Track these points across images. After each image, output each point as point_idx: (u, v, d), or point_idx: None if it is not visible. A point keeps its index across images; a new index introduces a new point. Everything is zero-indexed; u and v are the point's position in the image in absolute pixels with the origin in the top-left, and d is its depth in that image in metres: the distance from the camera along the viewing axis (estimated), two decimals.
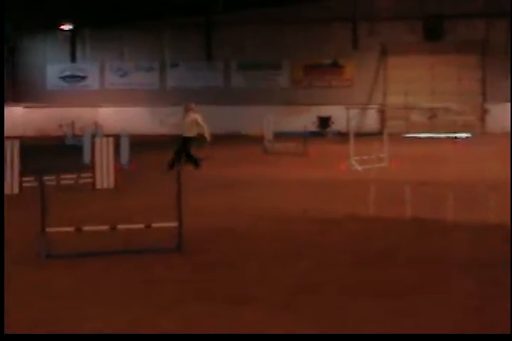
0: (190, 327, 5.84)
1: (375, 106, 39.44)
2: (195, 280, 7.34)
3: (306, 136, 25.35)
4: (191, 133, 18.65)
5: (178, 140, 18.76)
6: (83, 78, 44.16)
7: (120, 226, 9.13)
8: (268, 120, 27.50)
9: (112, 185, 15.38)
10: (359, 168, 18.15)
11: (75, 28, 41.90)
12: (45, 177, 8.91)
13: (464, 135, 30.36)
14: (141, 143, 25.97)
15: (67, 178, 15.90)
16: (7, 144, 14.53)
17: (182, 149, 18.59)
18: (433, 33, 39.08)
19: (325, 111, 39.00)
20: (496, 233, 9.70)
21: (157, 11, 38.72)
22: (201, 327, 5.85)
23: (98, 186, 15.24)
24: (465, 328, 5.75)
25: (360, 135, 26.60)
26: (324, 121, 38.72)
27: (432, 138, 31.89)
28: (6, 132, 31.70)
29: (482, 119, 38.50)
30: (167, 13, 39.30)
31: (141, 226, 9.15)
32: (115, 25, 41.54)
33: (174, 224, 8.71)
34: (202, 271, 7.75)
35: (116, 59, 43.52)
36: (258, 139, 27.94)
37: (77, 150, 22.19)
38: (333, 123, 38.23)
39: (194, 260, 8.29)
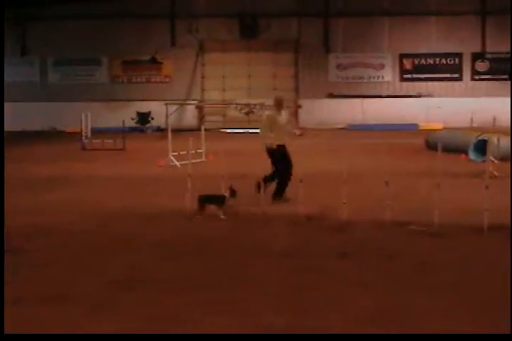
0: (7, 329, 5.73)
1: (194, 102, 39.94)
2: (6, 282, 7.16)
3: (125, 132, 25.35)
4: (284, 139, 12.44)
5: (273, 150, 12.30)
6: None
7: None
8: (86, 116, 27.18)
9: None
10: (177, 163, 18.43)
11: None
12: None
13: None
14: None
15: None
16: None
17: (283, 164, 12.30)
18: (248, 32, 40.12)
19: (144, 107, 39.05)
20: (310, 224, 10.23)
21: None
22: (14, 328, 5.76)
23: None
24: (274, 313, 6.11)
25: (179, 130, 26.99)
26: (143, 117, 38.78)
27: (248, 132, 32.73)
28: None
29: (295, 114, 40.07)
30: None
31: None
32: None
33: None
34: (14, 272, 7.58)
35: None
36: (76, 136, 27.56)
37: None
38: (152, 119, 38.34)
39: (8, 260, 8.11)
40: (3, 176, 14.17)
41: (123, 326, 5.78)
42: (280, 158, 12.24)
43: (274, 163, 12.29)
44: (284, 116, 12.48)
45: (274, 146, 12.16)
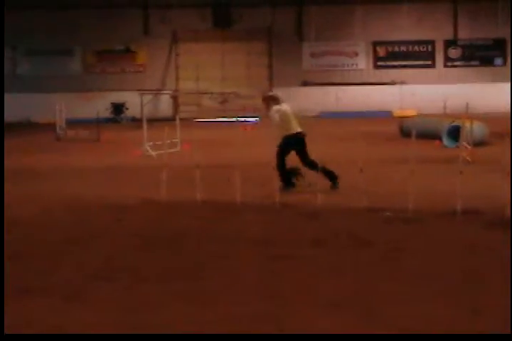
0: None
1: (168, 92, 39.83)
2: None
3: (100, 123, 25.27)
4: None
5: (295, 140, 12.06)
6: None
7: None
8: (60, 107, 27.05)
9: None
10: (153, 153, 18.42)
11: None
12: None
13: (252, 119, 31.43)
14: None
15: None
16: None
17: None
18: (222, 21, 40.02)
19: (118, 97, 38.85)
20: (284, 212, 10.30)
21: None
22: None
23: None
24: (252, 301, 6.17)
25: (154, 120, 26.94)
26: (118, 108, 38.60)
27: (223, 122, 32.73)
28: None
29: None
30: None
31: None
32: None
33: None
34: None
35: None
36: (50, 127, 27.43)
37: None
38: (127, 109, 38.17)
39: None
40: (3, 174, 14.05)
41: (99, 315, 5.80)
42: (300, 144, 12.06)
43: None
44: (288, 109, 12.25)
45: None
